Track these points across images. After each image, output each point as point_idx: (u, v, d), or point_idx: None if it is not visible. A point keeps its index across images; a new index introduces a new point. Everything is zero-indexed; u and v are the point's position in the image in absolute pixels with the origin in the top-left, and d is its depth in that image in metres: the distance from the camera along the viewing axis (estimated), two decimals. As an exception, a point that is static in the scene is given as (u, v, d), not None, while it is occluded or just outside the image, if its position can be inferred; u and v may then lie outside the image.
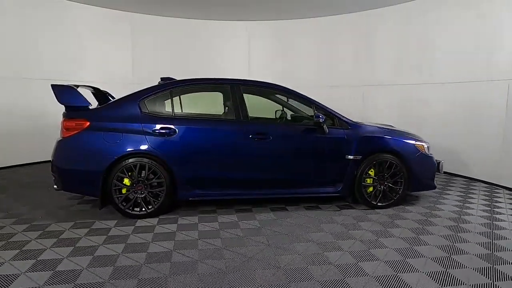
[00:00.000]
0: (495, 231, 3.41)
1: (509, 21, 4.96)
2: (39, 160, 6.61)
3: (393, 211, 4.03)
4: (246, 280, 2.45)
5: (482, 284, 2.42)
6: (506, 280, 2.49)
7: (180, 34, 7.91)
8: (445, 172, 5.82)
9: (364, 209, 4.06)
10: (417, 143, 4.18)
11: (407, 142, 4.15)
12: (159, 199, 3.66)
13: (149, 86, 3.96)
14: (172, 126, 3.67)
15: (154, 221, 3.60)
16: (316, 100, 4.12)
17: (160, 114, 3.75)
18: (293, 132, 3.97)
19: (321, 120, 3.82)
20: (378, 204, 4.07)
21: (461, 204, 4.32)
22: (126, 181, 3.59)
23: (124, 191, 3.61)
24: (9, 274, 2.48)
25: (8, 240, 3.08)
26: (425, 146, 4.22)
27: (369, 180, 4.05)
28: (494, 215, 3.89)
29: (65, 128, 3.59)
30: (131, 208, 3.62)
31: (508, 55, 4.96)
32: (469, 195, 4.75)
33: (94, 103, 4.11)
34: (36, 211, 3.87)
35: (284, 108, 4.48)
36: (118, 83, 7.09)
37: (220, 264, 2.68)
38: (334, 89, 7.53)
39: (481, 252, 2.94)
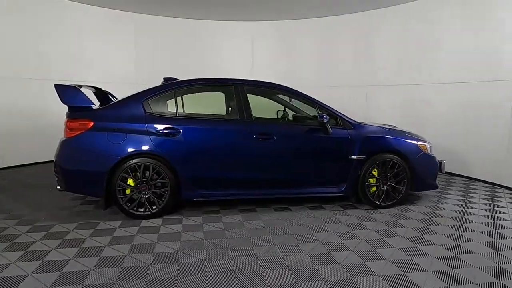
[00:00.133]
0: (498, 230, 3.44)
1: (511, 20, 4.96)
2: (39, 161, 6.57)
3: (396, 210, 4.05)
4: (255, 280, 2.45)
5: (488, 283, 2.44)
6: (512, 278, 2.51)
7: (182, 34, 7.91)
8: (446, 172, 5.86)
9: (368, 209, 4.08)
10: (419, 143, 4.21)
11: (409, 142, 4.17)
12: (163, 199, 3.65)
13: (152, 86, 3.96)
14: (176, 126, 3.66)
15: (158, 221, 3.59)
16: (319, 100, 4.13)
17: (164, 114, 3.74)
18: (297, 132, 3.98)
19: (325, 120, 3.83)
20: (381, 204, 4.09)
21: (463, 203, 4.36)
22: (130, 181, 3.58)
23: (128, 191, 3.59)
24: (16, 275, 2.46)
25: (13, 241, 3.06)
26: (427, 146, 4.25)
27: (372, 180, 4.07)
28: (496, 215, 3.92)
29: (68, 128, 3.57)
30: (135, 208, 3.61)
31: (512, 54, 4.95)
32: (470, 194, 4.78)
33: (95, 103, 4.09)
34: (38, 212, 3.85)
35: (287, 108, 4.48)
36: (120, 83, 7.07)
37: (228, 265, 2.68)
38: (337, 89, 7.53)
39: (486, 251, 2.97)
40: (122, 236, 3.21)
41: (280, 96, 4.40)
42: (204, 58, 8.02)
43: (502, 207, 4.22)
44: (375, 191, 4.08)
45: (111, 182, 3.53)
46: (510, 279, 2.51)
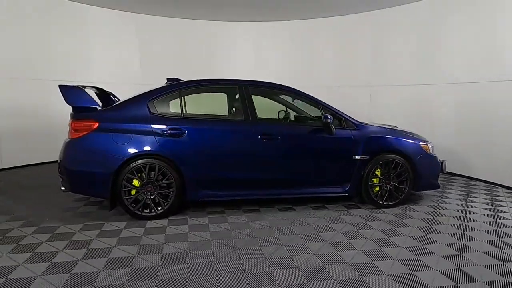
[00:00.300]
0: (500, 229, 3.49)
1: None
2: (35, 162, 6.53)
3: (399, 210, 4.09)
4: (266, 280, 2.47)
5: (495, 281, 2.48)
6: (518, 276, 2.56)
7: (187, 35, 7.92)
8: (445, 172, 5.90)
9: (371, 209, 4.11)
10: (421, 143, 4.25)
11: (412, 143, 4.22)
12: (169, 200, 3.65)
13: (156, 86, 3.96)
14: (181, 127, 3.67)
15: (164, 222, 3.59)
16: (322, 101, 4.16)
17: (169, 115, 3.74)
18: (301, 133, 4.00)
19: (329, 121, 3.86)
20: (385, 203, 4.12)
21: (464, 203, 4.41)
22: (136, 182, 3.57)
23: (133, 192, 3.59)
24: (26, 277, 2.45)
25: (19, 243, 3.04)
26: (429, 146, 4.29)
27: (375, 180, 4.11)
28: (498, 214, 3.98)
29: (73, 129, 3.56)
30: (140, 209, 3.60)
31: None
32: (471, 194, 4.84)
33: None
34: (41, 213, 3.83)
35: (289, 109, 4.50)
36: (122, 83, 7.06)
37: (237, 265, 2.69)
38: (341, 89, 7.55)
39: (490, 250, 3.01)
40: (129, 237, 3.21)
41: (284, 96, 4.41)
42: (209, 58, 8.04)
43: (503, 206, 4.28)
44: (378, 191, 4.11)
45: (116, 183, 3.52)
46: (516, 277, 2.55)
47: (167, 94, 3.80)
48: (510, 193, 4.89)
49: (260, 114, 4.18)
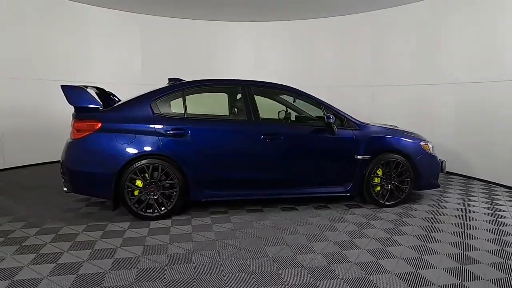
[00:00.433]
0: (501, 228, 3.54)
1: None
2: (37, 162, 6.49)
3: (400, 209, 4.12)
4: (272, 279, 2.48)
5: (499, 279, 2.52)
6: (520, 274, 2.60)
7: (188, 35, 7.91)
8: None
9: (372, 208, 4.15)
10: (422, 143, 4.29)
11: (413, 142, 4.26)
12: (172, 200, 3.64)
13: (158, 86, 3.96)
14: (184, 127, 3.67)
15: (167, 222, 3.59)
16: (324, 101, 4.18)
17: (172, 115, 3.74)
18: (304, 133, 4.02)
19: (331, 121, 3.88)
20: (386, 203, 4.16)
21: (464, 202, 4.46)
22: (139, 182, 3.56)
23: (136, 192, 3.58)
24: (32, 279, 2.44)
25: (22, 244, 3.02)
26: (430, 146, 4.34)
27: (377, 180, 4.14)
28: (497, 212, 4.03)
29: (76, 130, 3.54)
30: (143, 210, 3.60)
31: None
32: (469, 193, 4.89)
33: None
34: (43, 214, 3.80)
35: (292, 109, 4.51)
36: (122, 83, 7.03)
37: (243, 265, 2.70)
38: (342, 89, 7.57)
39: (492, 248, 3.05)
40: (133, 237, 3.20)
41: (287, 97, 4.43)
42: (209, 58, 8.03)
43: (502, 205, 4.33)
44: (379, 191, 4.15)
45: (119, 183, 3.51)
46: (518, 274, 2.59)
47: (170, 94, 3.80)
48: (509, 192, 4.96)
49: (263, 114, 4.20)
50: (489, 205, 4.31)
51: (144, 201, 3.59)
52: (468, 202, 4.43)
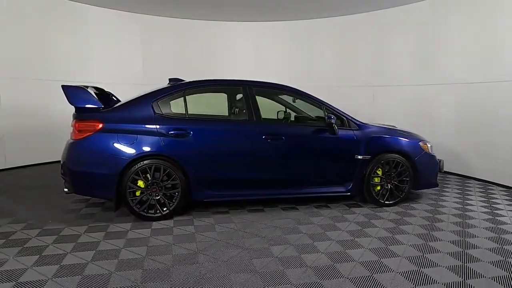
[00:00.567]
0: (499, 226, 3.60)
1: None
2: (37, 162, 6.45)
3: (400, 208, 4.17)
4: (279, 279, 2.49)
5: (500, 276, 2.56)
6: (521, 272, 2.65)
7: (188, 35, 7.90)
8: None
9: (372, 207, 4.18)
10: (421, 143, 4.34)
11: (412, 142, 4.31)
12: (174, 201, 3.64)
13: (158, 86, 3.95)
14: (186, 127, 3.67)
15: (169, 223, 3.58)
16: (325, 101, 4.21)
17: (173, 115, 3.73)
18: (305, 133, 4.04)
19: (332, 121, 3.91)
20: (386, 202, 4.20)
21: (461, 200, 4.52)
22: (141, 183, 3.55)
23: (138, 193, 3.57)
24: (36, 280, 2.42)
25: (24, 246, 2.99)
26: (429, 145, 4.39)
27: (377, 179, 4.18)
28: (495, 211, 4.09)
29: (77, 130, 3.52)
30: (145, 210, 3.59)
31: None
32: (466, 192, 4.96)
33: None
34: (43, 215, 3.77)
35: (293, 110, 4.53)
36: (122, 83, 7.00)
37: (248, 265, 2.71)
38: (342, 89, 7.60)
39: (492, 246, 3.10)
40: (136, 238, 3.19)
41: (287, 97, 4.44)
42: (209, 58, 8.03)
43: (499, 203, 4.40)
44: (379, 190, 4.19)
45: (121, 184, 3.50)
46: (519, 272, 2.64)
47: (171, 94, 3.79)
48: (505, 191, 5.04)
49: (265, 114, 4.22)
50: (486, 204, 4.37)
51: (146, 202, 3.58)
52: (466, 201, 4.49)
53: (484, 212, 4.05)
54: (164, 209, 3.63)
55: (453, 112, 5.96)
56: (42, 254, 2.83)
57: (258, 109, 3.93)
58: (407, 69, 6.71)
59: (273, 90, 4.33)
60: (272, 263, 2.74)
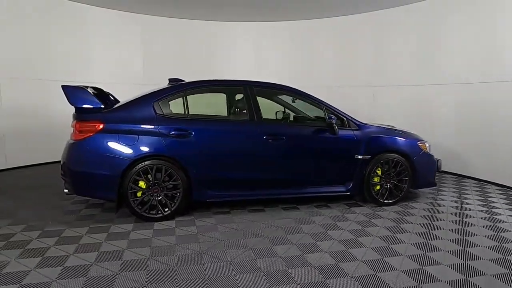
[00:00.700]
0: (497, 224, 3.65)
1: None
2: (37, 162, 6.41)
3: (399, 208, 4.21)
4: (284, 279, 2.51)
5: (501, 274, 2.60)
6: (520, 269, 2.69)
7: (188, 35, 7.88)
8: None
9: (372, 207, 4.22)
10: (419, 142, 4.39)
11: (411, 142, 4.35)
12: (175, 201, 3.63)
13: (158, 87, 3.94)
14: (187, 128, 3.66)
15: (171, 223, 3.58)
16: (325, 101, 4.24)
17: (175, 116, 3.73)
18: (305, 133, 4.06)
19: (333, 121, 3.94)
20: (385, 201, 4.24)
21: (459, 199, 4.58)
22: (142, 183, 3.54)
23: (139, 194, 3.56)
24: (41, 282, 2.40)
25: (25, 248, 2.97)
26: (427, 145, 4.44)
27: (376, 179, 4.22)
28: (492, 209, 4.15)
29: (77, 130, 3.49)
30: (147, 211, 3.58)
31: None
32: (463, 191, 5.03)
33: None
34: (43, 216, 3.74)
35: (293, 110, 4.54)
36: (122, 83, 6.96)
37: (253, 264, 2.71)
38: (342, 89, 7.62)
39: (491, 244, 3.15)
40: (139, 239, 3.18)
41: (290, 97, 4.45)
42: (209, 58, 8.02)
43: (495, 202, 4.47)
44: (379, 189, 4.23)
45: (122, 185, 3.48)
46: (519, 269, 2.69)
47: (172, 94, 3.78)
48: (500, 189, 5.11)
49: (266, 115, 4.23)
50: (483, 203, 4.44)
51: (148, 202, 3.57)
52: (463, 200, 4.56)
53: (482, 211, 4.10)
54: (166, 209, 3.62)
55: (453, 112, 5.97)
56: (45, 256, 2.81)
57: (259, 109, 3.94)
58: (407, 69, 6.74)
59: (274, 91, 4.35)
60: (276, 262, 2.75)
